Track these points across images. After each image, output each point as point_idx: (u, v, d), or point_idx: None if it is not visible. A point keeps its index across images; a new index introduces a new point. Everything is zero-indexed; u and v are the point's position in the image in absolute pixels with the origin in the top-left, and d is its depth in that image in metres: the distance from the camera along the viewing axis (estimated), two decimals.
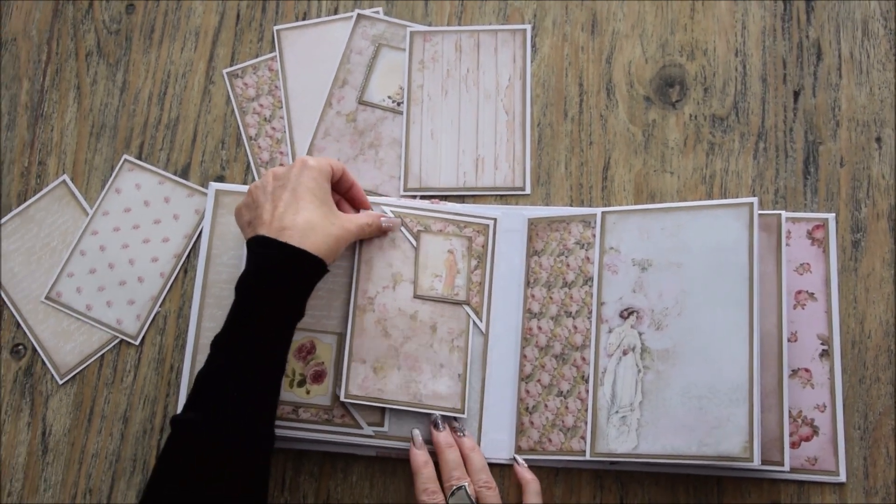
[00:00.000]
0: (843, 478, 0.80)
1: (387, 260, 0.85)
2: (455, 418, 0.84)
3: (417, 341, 0.84)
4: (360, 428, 0.83)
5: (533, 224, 0.89)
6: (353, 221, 0.82)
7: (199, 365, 0.86)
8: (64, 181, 0.95)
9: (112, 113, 0.97)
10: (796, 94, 0.91)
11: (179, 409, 0.85)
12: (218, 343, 0.75)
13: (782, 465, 0.79)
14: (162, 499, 0.71)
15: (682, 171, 0.90)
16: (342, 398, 0.82)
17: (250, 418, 0.73)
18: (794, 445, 0.81)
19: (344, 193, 0.86)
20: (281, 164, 0.93)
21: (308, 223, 0.76)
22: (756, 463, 0.76)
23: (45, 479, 0.88)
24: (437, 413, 0.83)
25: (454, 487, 0.78)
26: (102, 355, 0.90)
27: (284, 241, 0.75)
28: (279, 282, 0.75)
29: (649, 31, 0.94)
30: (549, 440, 0.83)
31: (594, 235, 0.87)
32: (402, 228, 0.87)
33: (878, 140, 0.89)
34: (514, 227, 0.89)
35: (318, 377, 0.85)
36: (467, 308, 0.86)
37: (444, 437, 0.82)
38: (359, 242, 0.86)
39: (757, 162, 0.89)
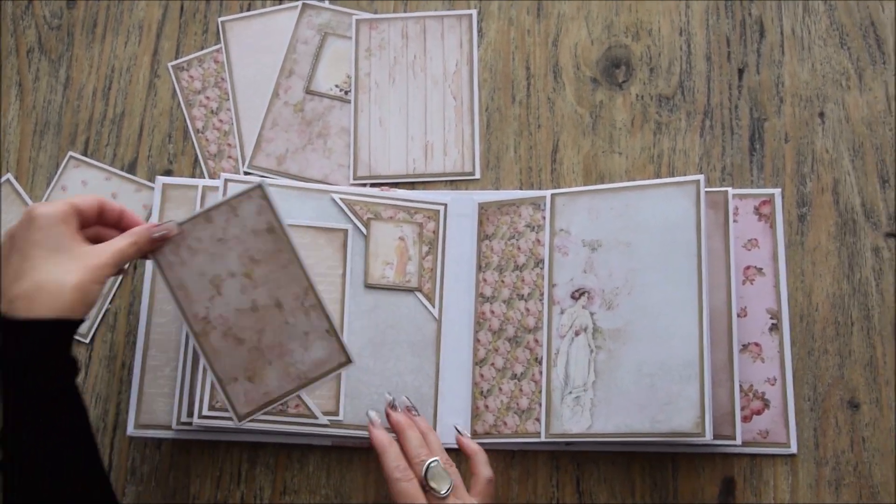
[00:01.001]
0: (794, 449, 0.81)
1: (196, 270, 0.78)
2: (409, 399, 0.84)
3: (271, 327, 0.79)
4: (315, 418, 0.83)
5: (483, 208, 0.89)
6: (105, 252, 0.73)
7: (151, 361, 0.86)
8: (8, 180, 0.94)
9: (56, 109, 0.95)
10: (740, 72, 0.91)
11: (132, 405, 0.85)
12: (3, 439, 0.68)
13: (734, 438, 0.79)
14: None
15: (630, 152, 0.90)
16: (236, 424, 0.78)
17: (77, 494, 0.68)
18: (745, 419, 0.82)
19: (115, 225, 0.78)
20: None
21: (35, 286, 0.68)
22: (708, 438, 0.76)
23: None
24: (389, 394, 0.82)
25: (427, 462, 0.76)
26: None
27: (12, 314, 0.67)
28: (19, 362, 0.67)
29: (594, 13, 0.94)
30: (505, 423, 0.83)
31: (544, 218, 0.87)
32: (353, 216, 0.87)
33: (822, 115, 0.90)
34: (464, 212, 0.89)
35: None
36: (419, 295, 0.86)
37: (402, 417, 0.81)
38: (159, 272, 0.78)
39: (703, 140, 0.90)
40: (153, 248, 0.78)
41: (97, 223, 0.77)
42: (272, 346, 0.79)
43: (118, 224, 0.78)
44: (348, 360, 0.82)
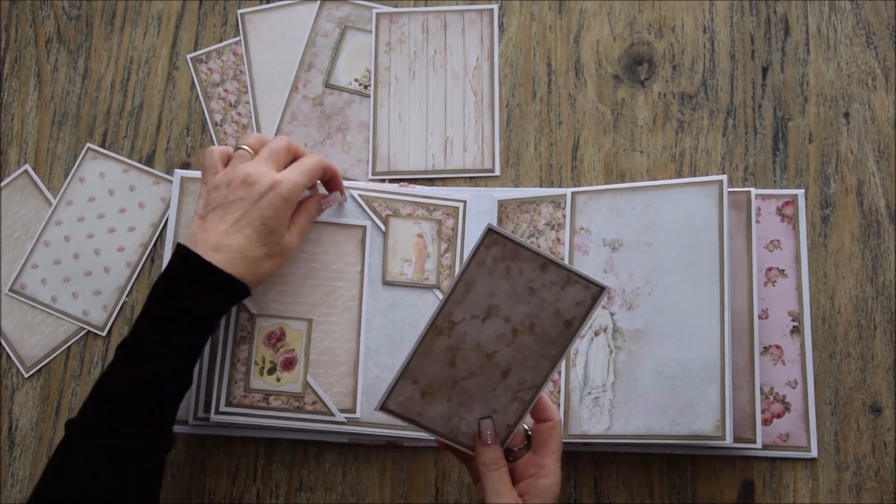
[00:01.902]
0: (814, 453, 0.81)
1: (489, 289, 0.71)
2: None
3: (482, 381, 0.73)
4: (332, 415, 0.82)
5: (503, 206, 0.89)
6: (294, 238, 0.81)
7: None
8: (26, 171, 0.93)
9: (74, 100, 0.95)
10: (764, 71, 0.90)
11: None
12: (124, 349, 0.73)
13: (754, 442, 0.79)
14: (48, 501, 0.70)
15: (651, 150, 0.89)
16: (376, 408, 0.73)
17: (149, 429, 0.72)
18: (766, 422, 0.81)
19: (325, 182, 0.85)
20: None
21: (242, 250, 0.76)
22: (728, 441, 0.75)
23: (13, 475, 0.86)
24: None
25: None
26: (69, 347, 0.89)
27: (211, 260, 0.74)
28: (196, 301, 0.74)
29: (617, 9, 0.93)
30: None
31: (564, 216, 0.86)
32: (371, 213, 0.86)
33: (846, 115, 0.89)
34: (483, 209, 0.88)
35: (289, 364, 0.84)
36: (438, 292, 0.86)
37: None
38: (469, 260, 0.70)
39: (726, 139, 0.89)
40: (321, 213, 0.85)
41: None
42: (463, 393, 0.74)
43: (327, 182, 0.85)
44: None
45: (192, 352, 0.75)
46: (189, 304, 0.74)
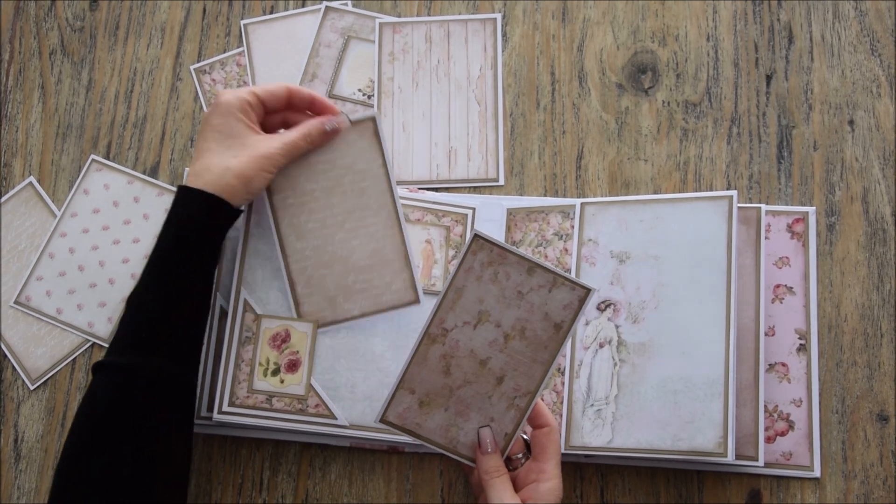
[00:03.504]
0: (817, 473, 0.80)
1: (479, 294, 0.73)
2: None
3: (477, 389, 0.75)
4: (335, 418, 0.82)
5: (512, 214, 0.88)
6: (275, 144, 0.79)
7: None
8: (30, 183, 0.93)
9: (78, 112, 0.95)
10: (769, 78, 0.90)
11: None
12: (132, 294, 0.75)
13: (756, 459, 0.78)
14: (86, 445, 0.70)
15: (655, 159, 0.89)
16: (375, 420, 0.76)
17: (173, 357, 0.74)
18: (769, 440, 0.81)
19: (307, 110, 0.84)
20: None
21: (205, 166, 0.77)
22: (730, 458, 0.75)
23: (19, 487, 0.86)
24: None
25: None
26: (74, 359, 0.89)
27: (186, 184, 0.77)
28: (178, 227, 0.76)
29: (620, 18, 0.93)
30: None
31: (573, 227, 0.86)
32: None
33: (851, 123, 0.88)
34: (492, 217, 0.88)
35: (293, 366, 0.84)
36: None
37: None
38: (459, 267, 0.73)
39: (731, 147, 0.89)
40: (326, 140, 0.82)
41: (286, 109, 0.82)
42: (460, 402, 0.75)
43: (310, 108, 0.83)
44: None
45: (194, 275, 0.76)
46: (173, 228, 0.76)
